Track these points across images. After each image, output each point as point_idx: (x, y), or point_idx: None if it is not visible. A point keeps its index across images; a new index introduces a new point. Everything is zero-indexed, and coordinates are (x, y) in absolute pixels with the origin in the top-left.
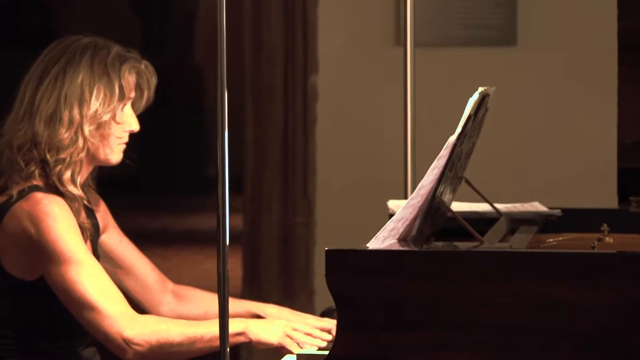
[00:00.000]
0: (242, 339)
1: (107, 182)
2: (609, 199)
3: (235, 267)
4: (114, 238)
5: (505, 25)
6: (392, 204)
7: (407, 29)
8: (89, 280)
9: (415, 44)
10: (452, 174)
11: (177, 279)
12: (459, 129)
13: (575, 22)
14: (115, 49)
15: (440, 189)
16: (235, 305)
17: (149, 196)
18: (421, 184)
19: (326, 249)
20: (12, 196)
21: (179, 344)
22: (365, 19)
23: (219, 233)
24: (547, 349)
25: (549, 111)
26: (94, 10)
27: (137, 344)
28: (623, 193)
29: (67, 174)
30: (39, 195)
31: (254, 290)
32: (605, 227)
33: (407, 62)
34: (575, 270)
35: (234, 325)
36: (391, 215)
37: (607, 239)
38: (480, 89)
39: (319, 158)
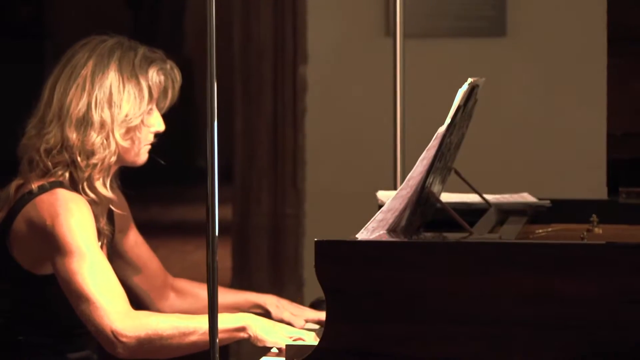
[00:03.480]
0: (242, 334)
1: None
2: (598, 190)
3: (224, 258)
4: (131, 239)
5: (495, 16)
6: (382, 194)
7: (396, 19)
8: (90, 273)
9: (405, 35)
10: (441, 165)
11: (166, 270)
12: (448, 120)
13: (564, 13)
14: (142, 50)
15: (430, 179)
16: (236, 296)
17: (137, 187)
18: (410, 174)
19: (315, 239)
20: (32, 190)
21: (169, 337)
22: (354, 9)
23: (208, 224)
24: (537, 340)
25: (538, 102)
26: (83, 1)
27: (125, 337)
28: (613, 184)
29: (99, 179)
30: (63, 191)
31: (243, 281)
32: (594, 218)
33: (396, 53)
34: (565, 261)
35: (236, 320)
36: (380, 206)
37: (596, 230)
38: (470, 79)
39: (309, 149)
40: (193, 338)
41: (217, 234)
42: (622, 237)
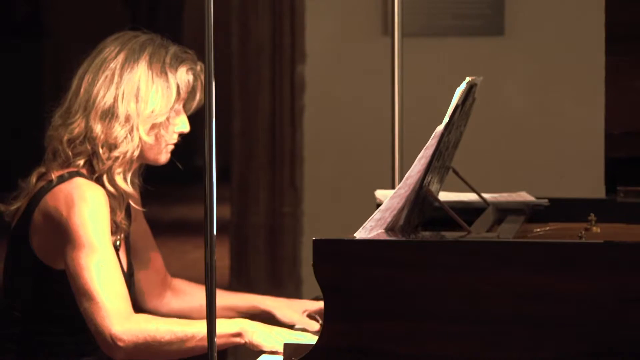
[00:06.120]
0: (238, 340)
1: None
2: (596, 189)
3: (222, 257)
4: (141, 227)
5: (493, 15)
6: (380, 193)
7: (394, 18)
8: (98, 270)
9: (403, 34)
10: (439, 164)
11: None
12: (446, 119)
13: (562, 12)
14: (173, 48)
15: (428, 178)
16: (240, 299)
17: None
18: (408, 173)
19: (314, 238)
20: (52, 180)
21: (168, 343)
22: (353, 8)
23: (206, 223)
24: (534, 339)
25: (536, 101)
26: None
27: (123, 341)
28: (610, 183)
29: (120, 172)
30: (81, 180)
31: (242, 280)
32: (592, 217)
33: (394, 51)
34: (563, 260)
35: (231, 326)
36: (379, 205)
37: (594, 228)
38: (468, 78)
39: (307, 148)
40: (191, 344)
41: (215, 233)
42: (620, 236)
